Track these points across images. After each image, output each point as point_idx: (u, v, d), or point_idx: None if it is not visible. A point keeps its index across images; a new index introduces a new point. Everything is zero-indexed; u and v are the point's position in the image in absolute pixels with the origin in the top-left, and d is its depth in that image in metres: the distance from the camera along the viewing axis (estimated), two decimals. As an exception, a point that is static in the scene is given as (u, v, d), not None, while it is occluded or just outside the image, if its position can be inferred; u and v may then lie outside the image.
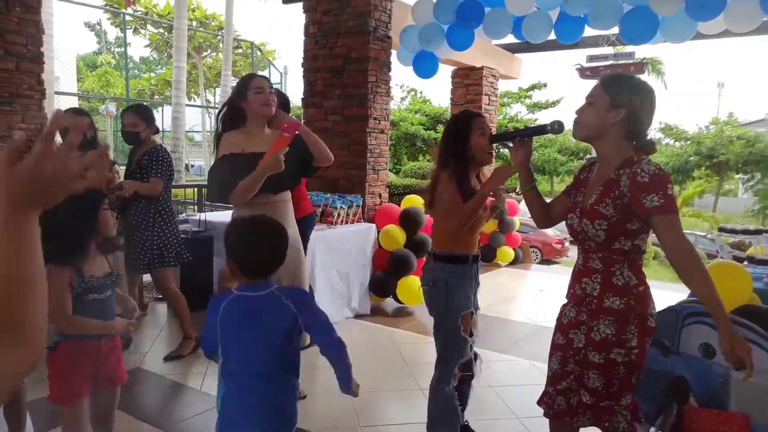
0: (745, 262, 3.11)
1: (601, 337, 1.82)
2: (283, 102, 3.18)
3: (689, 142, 23.42)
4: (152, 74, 26.01)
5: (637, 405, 1.99)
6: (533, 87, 19.78)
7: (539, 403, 2.12)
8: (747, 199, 26.42)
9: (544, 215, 2.15)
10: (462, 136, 2.48)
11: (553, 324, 2.13)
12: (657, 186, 1.72)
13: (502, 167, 2.42)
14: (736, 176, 25.11)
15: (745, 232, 3.38)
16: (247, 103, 2.79)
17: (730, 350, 1.65)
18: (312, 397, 3.27)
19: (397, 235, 5.11)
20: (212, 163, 3.00)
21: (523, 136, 2.18)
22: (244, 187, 2.64)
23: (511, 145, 2.23)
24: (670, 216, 1.73)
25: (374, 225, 5.21)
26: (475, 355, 2.70)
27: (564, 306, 2.05)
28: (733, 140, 21.16)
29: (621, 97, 1.81)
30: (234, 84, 3.34)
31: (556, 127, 2.16)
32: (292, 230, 2.93)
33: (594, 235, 1.85)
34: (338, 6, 5.45)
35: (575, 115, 1.94)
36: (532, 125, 2.35)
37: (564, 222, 2.05)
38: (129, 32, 19.34)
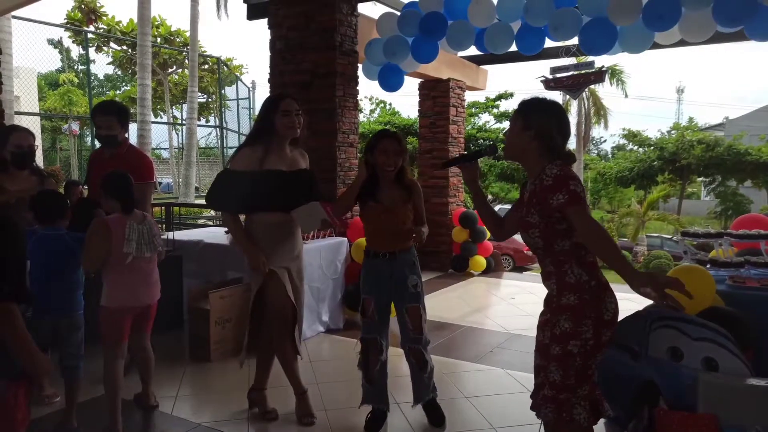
0: (708, 265, 3.19)
1: (561, 331, 1.97)
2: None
3: (652, 147, 23.99)
4: (117, 92, 25.61)
5: (601, 398, 2.06)
6: (500, 97, 20.05)
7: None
8: (709, 201, 27.17)
9: (498, 228, 2.36)
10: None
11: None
12: (560, 185, 1.90)
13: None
14: (698, 179, 25.79)
15: (707, 235, 3.47)
16: (273, 123, 2.93)
17: (640, 289, 1.77)
18: (286, 416, 3.21)
19: (368, 248, 5.10)
20: (224, 168, 3.15)
21: (468, 159, 2.37)
22: (230, 227, 3.07)
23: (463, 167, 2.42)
24: (576, 207, 1.89)
25: (346, 239, 5.19)
26: (370, 341, 3.01)
27: (543, 309, 2.17)
28: (694, 145, 21.76)
29: (531, 119, 2.03)
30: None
31: (489, 150, 2.46)
32: (300, 247, 3.19)
33: (535, 243, 2.05)
34: (303, 21, 5.45)
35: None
36: (472, 150, 2.65)
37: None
38: (91, 50, 19.02)
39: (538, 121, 2.03)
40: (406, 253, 2.97)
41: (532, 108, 2.07)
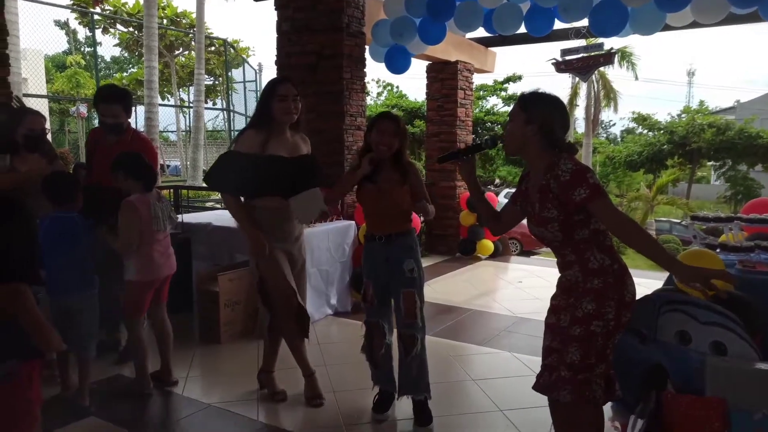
0: (718, 250, 3.16)
1: (584, 313, 1.99)
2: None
3: (662, 131, 23.77)
4: (124, 74, 25.55)
5: (615, 377, 2.09)
6: (508, 79, 19.89)
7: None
8: (719, 186, 26.94)
9: (495, 223, 2.39)
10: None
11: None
12: (579, 180, 1.92)
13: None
14: (708, 163, 25.58)
15: (717, 219, 3.43)
16: (270, 108, 2.94)
17: (696, 282, 1.81)
18: (294, 398, 3.25)
19: (376, 231, 5.11)
20: (228, 150, 3.15)
21: (465, 154, 2.36)
22: (232, 210, 3.05)
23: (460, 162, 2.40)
24: (599, 201, 1.91)
25: (354, 222, 5.19)
26: (373, 324, 3.00)
27: (555, 293, 2.18)
28: (705, 128, 21.53)
29: (534, 113, 2.05)
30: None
31: (490, 142, 2.37)
32: (300, 230, 3.22)
33: (553, 237, 2.06)
34: (310, 2, 5.40)
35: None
36: (472, 144, 2.62)
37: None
38: (98, 32, 18.93)
39: (540, 115, 2.05)
40: (404, 236, 2.94)
41: (534, 102, 2.10)
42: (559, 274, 2.16)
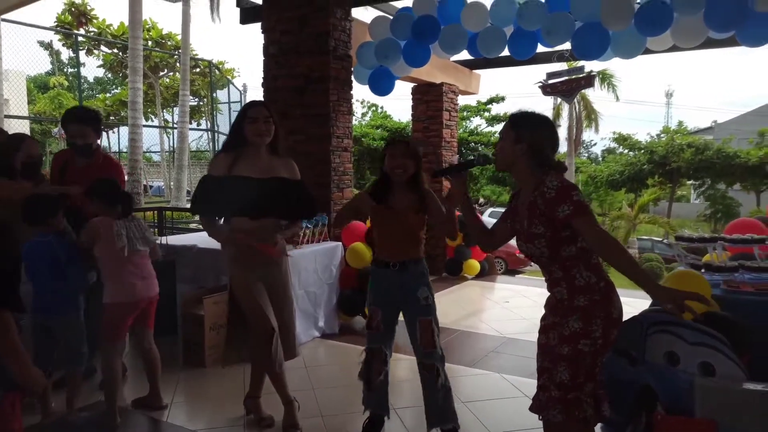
0: (703, 270, 3.20)
1: (571, 331, 2.00)
2: None
3: (642, 151, 24.16)
4: (107, 95, 25.44)
5: (604, 397, 2.10)
6: (491, 100, 20.11)
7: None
8: (699, 204, 27.37)
9: (487, 240, 2.40)
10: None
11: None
12: (563, 197, 1.96)
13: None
14: (688, 182, 25.99)
15: (701, 240, 3.48)
16: (242, 130, 2.94)
17: (670, 304, 1.81)
18: (280, 426, 3.20)
19: (364, 252, 5.09)
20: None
21: (458, 170, 2.42)
22: (204, 227, 3.10)
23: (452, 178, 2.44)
24: (582, 218, 1.95)
25: (341, 243, 5.18)
26: (375, 351, 2.93)
27: (544, 313, 2.20)
28: (684, 148, 21.93)
29: (523, 132, 2.10)
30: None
31: (482, 159, 2.48)
32: (278, 258, 3.13)
33: (541, 253, 2.08)
34: (297, 26, 5.44)
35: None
36: (465, 160, 2.65)
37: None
38: (82, 53, 18.90)
39: (530, 135, 2.09)
40: (417, 263, 2.89)
41: (523, 122, 2.15)
42: (546, 294, 2.18)
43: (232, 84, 19.66)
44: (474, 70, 8.58)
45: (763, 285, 2.84)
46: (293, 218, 3.16)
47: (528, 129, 2.11)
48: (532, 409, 2.14)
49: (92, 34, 18.95)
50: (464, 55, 6.25)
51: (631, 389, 2.64)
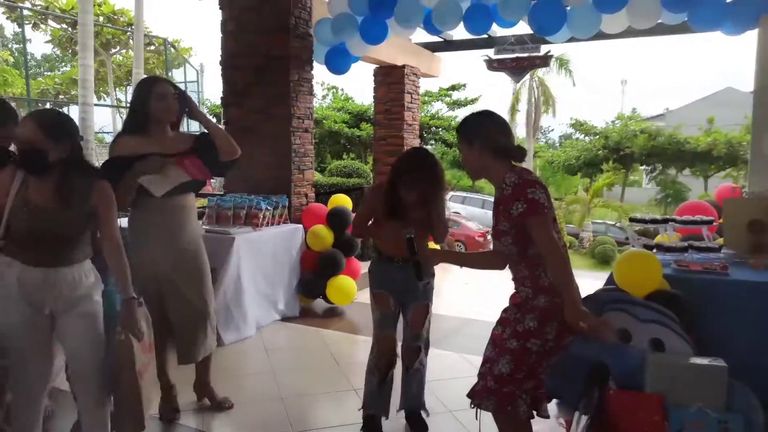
0: (654, 250, 3.30)
1: (524, 329, 2.02)
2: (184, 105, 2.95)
3: (597, 136, 24.73)
4: (57, 72, 24.41)
5: (543, 398, 2.17)
6: (453, 87, 20.19)
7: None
8: (650, 189, 28.27)
9: (497, 261, 2.25)
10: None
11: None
12: (518, 194, 1.96)
13: None
14: (641, 168, 26.77)
15: (654, 221, 3.60)
16: (148, 109, 2.78)
17: (575, 323, 1.89)
18: (241, 406, 3.17)
19: (324, 235, 5.06)
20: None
21: (413, 252, 2.34)
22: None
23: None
24: (534, 218, 1.94)
25: (301, 226, 5.13)
26: (389, 336, 2.84)
27: (507, 306, 2.21)
28: (637, 134, 22.57)
29: (469, 134, 2.12)
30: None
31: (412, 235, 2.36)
32: (190, 234, 2.94)
33: (509, 251, 2.09)
34: (256, 3, 5.31)
35: None
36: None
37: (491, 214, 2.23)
38: (28, 27, 18.03)
39: (477, 134, 2.10)
40: None
41: (465, 126, 2.18)
42: (504, 277, 2.21)
43: (189, 63, 19.15)
44: (435, 53, 8.57)
45: (710, 264, 2.95)
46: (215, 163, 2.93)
47: (473, 130, 2.13)
48: (468, 394, 2.17)
49: (38, 7, 18.09)
50: (426, 37, 6.20)
51: (585, 365, 2.71)
